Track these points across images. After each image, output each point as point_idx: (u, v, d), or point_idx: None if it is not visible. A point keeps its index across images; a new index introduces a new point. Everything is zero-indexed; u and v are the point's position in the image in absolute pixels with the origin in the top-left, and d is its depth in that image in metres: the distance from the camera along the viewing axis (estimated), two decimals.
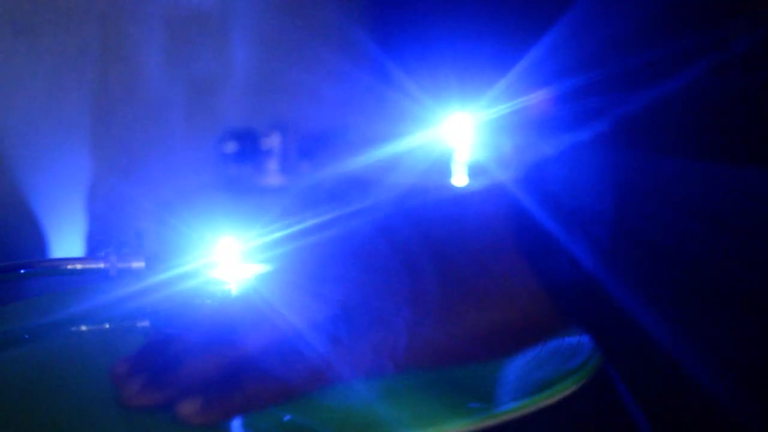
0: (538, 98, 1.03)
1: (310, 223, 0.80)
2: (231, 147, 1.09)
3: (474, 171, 1.02)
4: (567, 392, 0.45)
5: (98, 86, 0.95)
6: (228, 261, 0.69)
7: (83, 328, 0.59)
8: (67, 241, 0.90)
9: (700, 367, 0.43)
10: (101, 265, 0.63)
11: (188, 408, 0.44)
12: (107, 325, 0.59)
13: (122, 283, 0.64)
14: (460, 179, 1.00)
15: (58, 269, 0.63)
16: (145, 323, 0.60)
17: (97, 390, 0.49)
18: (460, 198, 0.46)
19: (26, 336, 0.58)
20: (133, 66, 1.01)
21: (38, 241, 0.86)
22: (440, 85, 1.15)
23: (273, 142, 1.10)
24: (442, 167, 1.02)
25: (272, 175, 1.11)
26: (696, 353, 0.43)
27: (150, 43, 1.03)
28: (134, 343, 0.56)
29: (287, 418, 0.45)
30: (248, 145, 1.10)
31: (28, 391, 0.49)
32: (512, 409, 0.43)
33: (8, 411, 0.46)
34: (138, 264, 0.63)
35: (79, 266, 0.63)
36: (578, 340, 0.52)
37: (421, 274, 0.44)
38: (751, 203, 0.52)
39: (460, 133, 1.06)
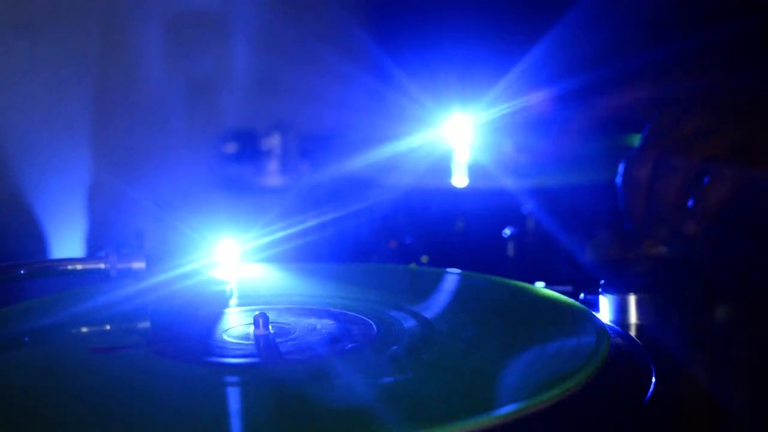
0: (538, 98, 1.03)
1: (310, 223, 0.80)
2: (231, 147, 1.09)
3: (474, 171, 1.02)
4: (568, 393, 0.45)
5: (98, 86, 0.95)
6: (228, 261, 0.69)
7: (84, 329, 0.59)
8: (67, 241, 0.90)
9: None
10: (101, 266, 0.63)
11: None
12: (108, 327, 0.59)
13: (122, 284, 0.64)
14: (460, 180, 1.00)
15: (58, 269, 0.63)
16: (146, 324, 0.60)
17: (99, 392, 0.49)
18: None
19: (26, 339, 0.58)
20: (134, 66, 1.01)
21: (38, 241, 0.86)
22: (440, 85, 1.15)
23: (273, 142, 1.10)
24: (442, 168, 1.02)
25: (272, 175, 1.11)
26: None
27: (150, 43, 1.03)
28: (135, 344, 0.56)
29: None
30: (248, 145, 1.10)
31: (28, 395, 0.49)
32: (513, 410, 0.43)
33: (8, 415, 0.46)
34: (138, 264, 0.63)
35: (79, 266, 0.63)
36: (579, 340, 0.52)
37: None
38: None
39: (460, 134, 1.06)
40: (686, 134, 0.71)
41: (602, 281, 0.62)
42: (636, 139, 1.03)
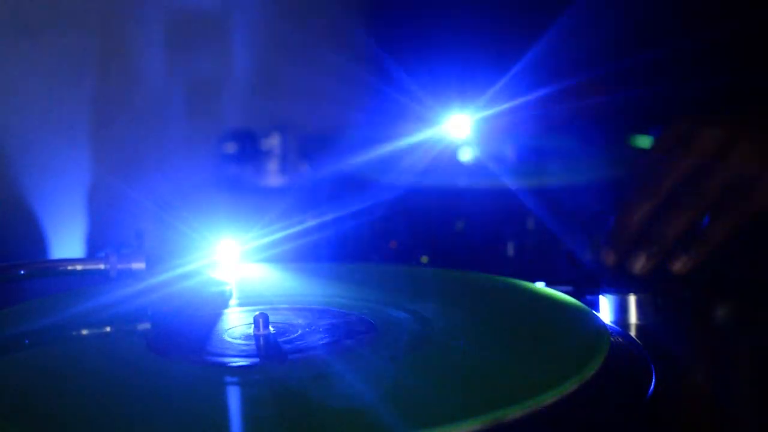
0: (537, 98, 1.03)
1: (310, 223, 0.80)
2: (231, 147, 1.09)
3: (474, 171, 1.02)
4: (568, 392, 0.45)
5: (98, 87, 0.95)
6: (228, 261, 0.69)
7: (84, 331, 0.59)
8: (67, 241, 0.90)
9: None
10: (101, 266, 0.63)
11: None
12: (108, 328, 0.59)
13: (122, 284, 0.64)
14: (460, 179, 1.00)
15: (57, 270, 0.63)
16: (146, 325, 0.60)
17: (99, 393, 0.49)
18: None
19: (26, 341, 0.58)
20: (134, 66, 1.01)
21: (38, 241, 0.86)
22: (440, 85, 1.15)
23: (273, 142, 1.10)
24: (442, 168, 1.02)
25: (272, 175, 1.10)
26: None
27: (150, 44, 1.03)
28: (135, 345, 0.56)
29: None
30: (248, 145, 1.10)
31: (28, 397, 0.49)
32: (513, 409, 0.43)
33: (9, 417, 0.46)
34: (138, 265, 0.63)
35: (79, 267, 0.63)
36: (580, 339, 0.52)
37: None
38: None
39: (460, 133, 1.05)
40: (706, 149, 0.69)
41: (602, 281, 0.62)
42: (637, 140, 1.03)
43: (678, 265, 0.66)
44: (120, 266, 0.63)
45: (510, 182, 0.92)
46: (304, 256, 0.76)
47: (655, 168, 0.71)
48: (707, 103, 0.81)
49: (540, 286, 0.65)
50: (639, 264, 0.66)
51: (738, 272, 0.70)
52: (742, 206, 0.66)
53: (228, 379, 0.50)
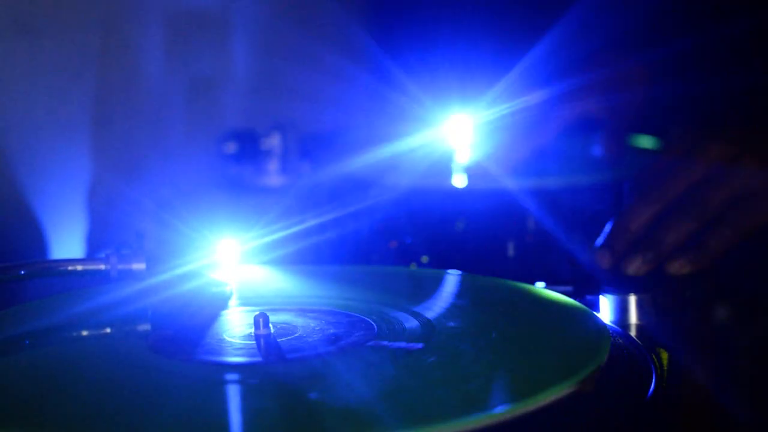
0: (537, 99, 1.03)
1: (310, 223, 0.80)
2: (231, 147, 1.09)
3: (474, 172, 1.02)
4: (568, 392, 0.45)
5: (98, 86, 0.95)
6: (228, 261, 0.69)
7: (84, 332, 0.59)
8: (67, 241, 0.90)
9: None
10: (101, 267, 0.63)
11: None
12: (108, 329, 0.60)
13: (123, 285, 0.64)
14: (460, 180, 1.00)
15: (58, 270, 0.63)
16: (146, 325, 0.60)
17: (100, 395, 0.49)
18: None
19: (26, 342, 0.58)
20: (134, 66, 1.01)
21: (38, 242, 0.86)
22: (440, 85, 1.15)
23: (273, 142, 1.10)
24: (442, 168, 1.02)
25: (272, 175, 1.10)
26: None
27: (150, 44, 1.03)
28: (135, 345, 0.56)
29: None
30: (248, 145, 1.10)
31: (28, 398, 0.49)
32: (512, 408, 0.43)
33: (9, 418, 0.46)
34: (138, 265, 0.63)
35: (79, 267, 0.63)
36: (580, 340, 0.52)
37: None
38: None
39: (460, 134, 1.05)
40: (711, 164, 0.69)
41: (602, 281, 0.62)
42: (639, 140, 1.03)
43: (675, 267, 0.66)
44: (120, 267, 0.63)
45: (510, 182, 0.92)
46: (304, 256, 0.76)
47: (661, 176, 0.71)
48: (709, 106, 0.81)
49: (540, 286, 0.65)
50: (633, 267, 0.67)
51: (738, 272, 0.70)
52: (744, 220, 0.67)
53: (228, 378, 0.50)
